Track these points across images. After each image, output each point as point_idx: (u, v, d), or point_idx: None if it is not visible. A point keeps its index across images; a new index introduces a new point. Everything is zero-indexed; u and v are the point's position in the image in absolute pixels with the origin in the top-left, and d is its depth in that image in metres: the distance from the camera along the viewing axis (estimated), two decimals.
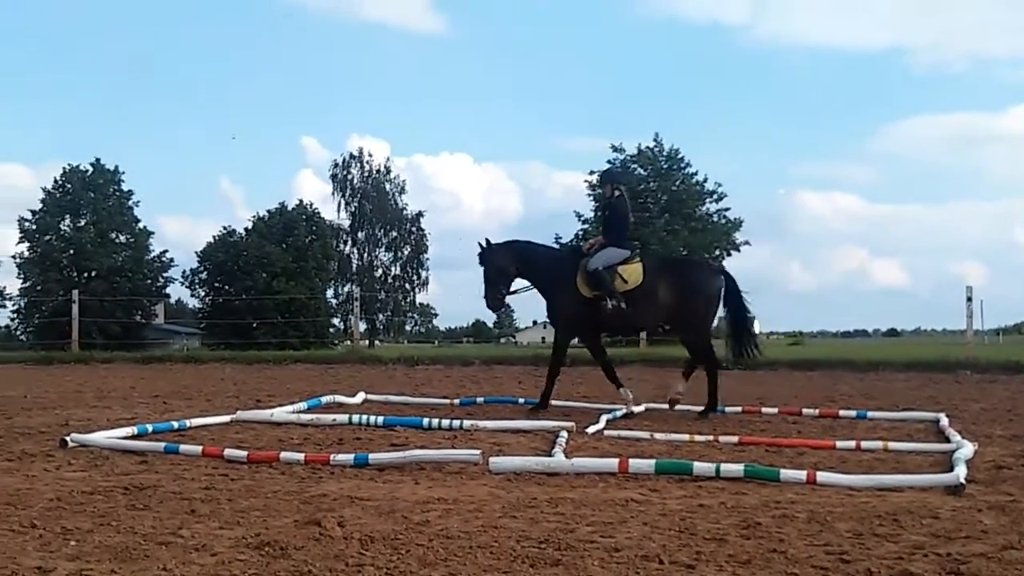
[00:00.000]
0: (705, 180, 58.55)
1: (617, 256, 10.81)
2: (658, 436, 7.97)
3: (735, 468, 6.03)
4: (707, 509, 5.09)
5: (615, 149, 58.39)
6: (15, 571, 3.90)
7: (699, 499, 5.37)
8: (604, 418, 9.13)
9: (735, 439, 7.86)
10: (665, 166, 58.44)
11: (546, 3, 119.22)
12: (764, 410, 10.34)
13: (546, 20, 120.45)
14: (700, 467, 6.11)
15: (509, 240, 11.17)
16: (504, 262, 10.97)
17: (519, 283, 11.19)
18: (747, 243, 58.96)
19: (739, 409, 10.37)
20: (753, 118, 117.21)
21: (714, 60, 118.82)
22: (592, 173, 56.79)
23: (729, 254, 57.49)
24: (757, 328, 11.73)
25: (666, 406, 10.35)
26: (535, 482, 5.91)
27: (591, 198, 56.87)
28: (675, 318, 10.90)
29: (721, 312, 10.93)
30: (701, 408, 10.22)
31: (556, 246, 12.39)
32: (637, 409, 10.49)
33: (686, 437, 7.88)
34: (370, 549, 4.20)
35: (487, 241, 10.95)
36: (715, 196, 58.79)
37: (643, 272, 10.72)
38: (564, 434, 7.84)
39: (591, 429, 8.41)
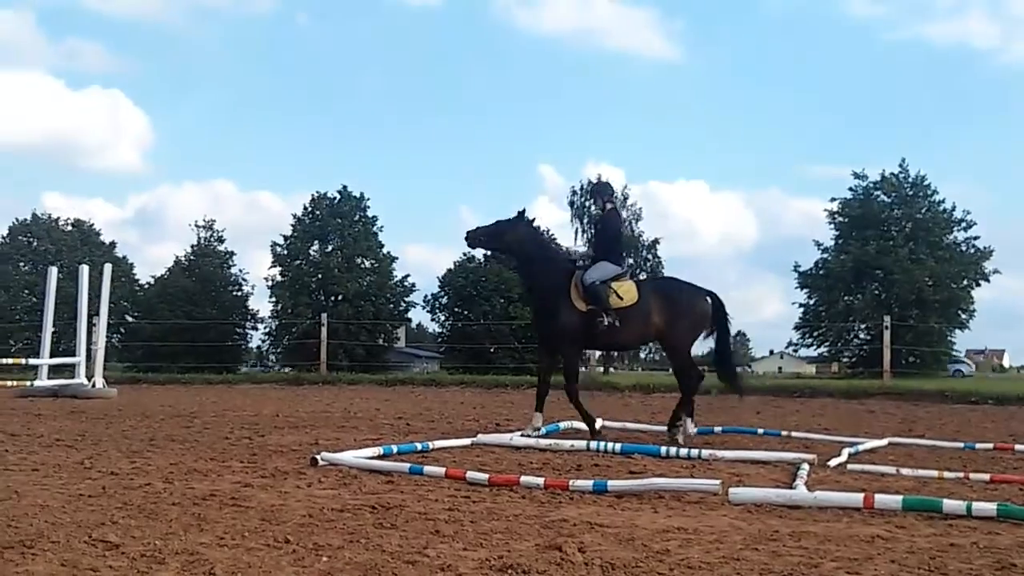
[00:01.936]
0: (953, 208, 56.29)
1: (612, 271, 10.80)
2: (904, 471, 7.70)
3: (988, 507, 5.77)
4: (958, 548, 4.89)
5: (856, 176, 56.68)
6: None
7: (950, 538, 5.16)
8: (846, 451, 8.88)
9: (986, 476, 7.52)
10: (910, 193, 56.43)
11: (785, 29, 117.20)
12: (1018, 447, 9.85)
13: (785, 46, 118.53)
14: (950, 504, 5.88)
15: (531, 224, 11.40)
16: (510, 236, 11.16)
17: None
18: (997, 271, 56.37)
19: (990, 446, 9.92)
20: (1004, 144, 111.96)
21: (962, 84, 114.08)
22: (833, 200, 55.53)
23: (978, 284, 55.04)
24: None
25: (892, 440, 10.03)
26: (776, 515, 5.80)
27: (831, 226, 55.59)
28: (663, 339, 10.87)
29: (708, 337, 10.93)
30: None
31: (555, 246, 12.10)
32: (535, 434, 10.35)
33: (935, 473, 7.59)
34: None
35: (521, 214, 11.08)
36: (963, 224, 56.41)
37: (638, 291, 10.67)
38: (805, 466, 7.66)
39: (833, 462, 8.20)
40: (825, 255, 55.54)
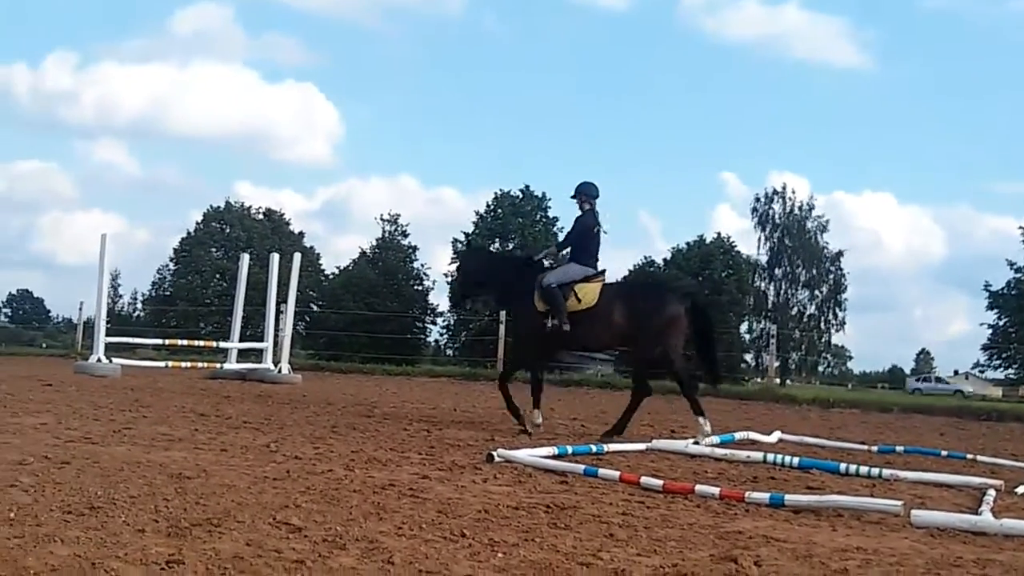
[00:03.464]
0: None
1: (576, 273, 10.84)
2: None
3: None
4: None
5: None
6: None
7: None
8: None
9: None
10: None
11: (982, 41, 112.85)
12: None
13: (981, 59, 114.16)
14: None
15: (479, 247, 11.34)
16: (475, 266, 11.71)
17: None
18: None
19: None
20: None
21: None
22: None
23: None
24: None
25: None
26: (960, 540, 5.59)
27: None
28: (630, 341, 10.85)
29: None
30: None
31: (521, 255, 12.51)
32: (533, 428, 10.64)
33: None
34: None
35: (466, 241, 11.25)
36: None
37: (599, 293, 10.57)
38: (992, 492, 7.39)
39: (1021, 490, 7.89)
40: (1018, 275, 53.52)
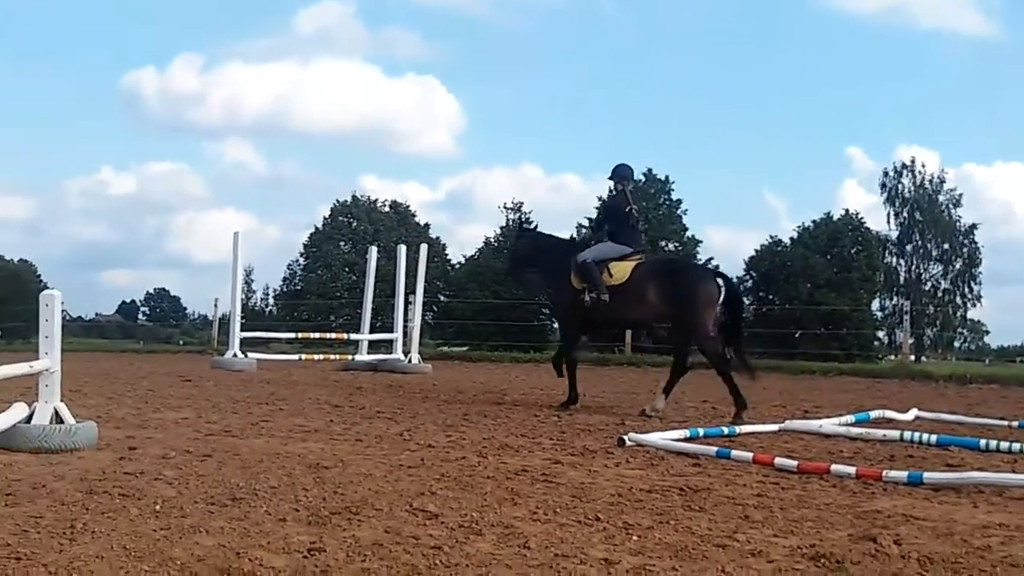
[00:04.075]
0: None
1: (613, 251, 11.11)
2: None
3: None
4: None
5: None
6: (583, 560, 4.16)
7: None
8: None
9: None
10: None
11: None
12: None
13: None
14: None
15: (530, 230, 12.14)
16: (523, 247, 12.21)
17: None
18: None
19: None
20: None
21: None
22: None
23: None
24: None
25: None
26: None
27: None
28: (668, 319, 11.28)
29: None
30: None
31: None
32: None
33: None
34: (929, 570, 4.08)
35: (518, 222, 11.40)
36: None
37: (631, 270, 10.92)
38: None
39: None
40: None
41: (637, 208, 11.69)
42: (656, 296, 10.80)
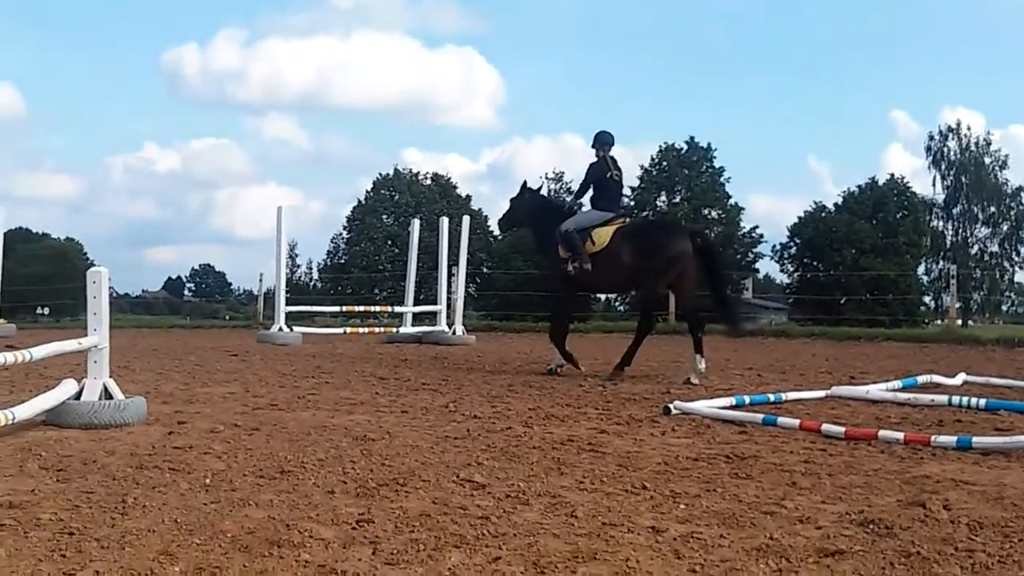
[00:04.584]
0: None
1: (596, 218, 11.46)
2: None
3: None
4: None
5: None
6: (630, 528, 4.17)
7: None
8: None
9: None
10: None
11: None
12: None
13: None
14: None
15: (531, 189, 12.40)
16: (519, 205, 12.39)
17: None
18: None
19: None
20: None
21: None
22: None
23: None
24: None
25: None
26: None
27: None
28: (635, 278, 11.32)
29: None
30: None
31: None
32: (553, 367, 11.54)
33: None
34: (979, 535, 4.05)
35: (523, 185, 12.27)
36: None
37: (611, 235, 11.16)
38: None
39: None
40: None
41: (618, 173, 11.92)
42: (630, 257, 11.04)
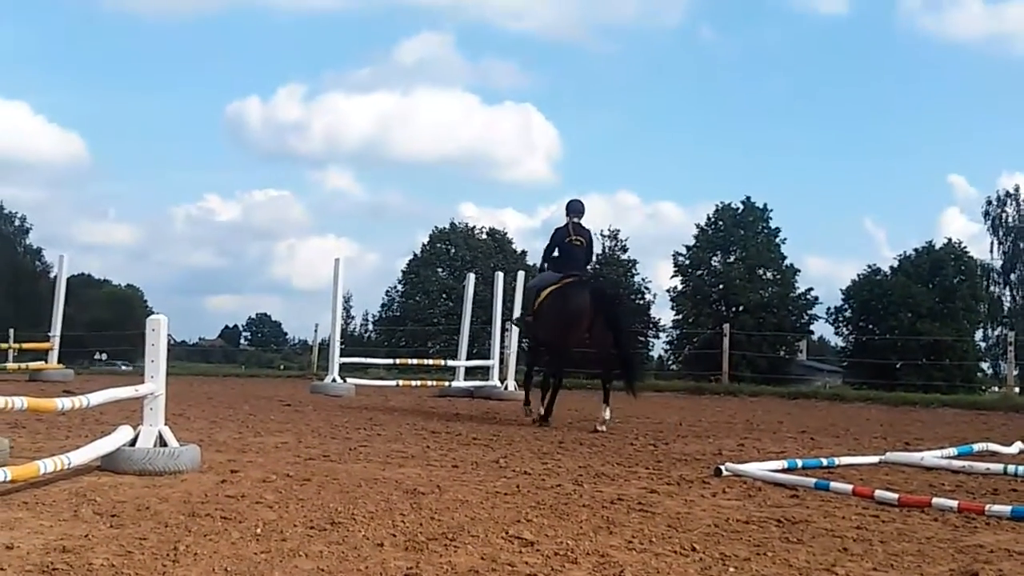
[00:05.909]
0: None
1: (550, 278, 12.21)
2: None
3: None
4: None
5: None
6: None
7: None
8: None
9: None
10: None
11: None
12: None
13: None
14: None
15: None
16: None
17: None
18: None
19: None
20: None
21: None
22: None
23: None
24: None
25: None
26: None
27: None
28: (550, 333, 12.16)
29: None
30: None
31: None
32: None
33: None
34: None
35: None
36: None
37: (548, 293, 11.91)
38: None
39: None
40: None
41: (579, 239, 12.49)
42: (548, 315, 11.90)
